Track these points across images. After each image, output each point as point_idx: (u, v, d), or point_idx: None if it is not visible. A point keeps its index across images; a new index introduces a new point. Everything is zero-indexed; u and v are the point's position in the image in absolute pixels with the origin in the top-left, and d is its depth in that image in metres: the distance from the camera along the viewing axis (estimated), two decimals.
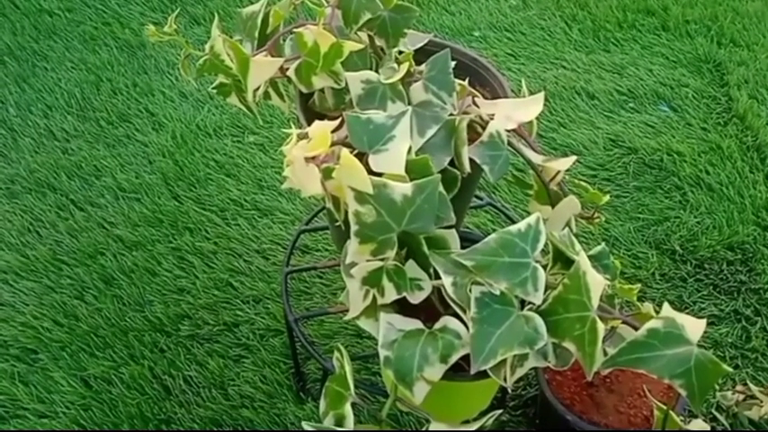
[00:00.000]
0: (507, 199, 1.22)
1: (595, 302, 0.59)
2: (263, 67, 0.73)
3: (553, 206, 0.77)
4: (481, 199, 1.07)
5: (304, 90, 0.77)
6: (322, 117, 0.75)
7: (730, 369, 0.59)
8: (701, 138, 1.33)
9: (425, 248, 0.66)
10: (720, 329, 1.04)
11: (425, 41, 0.85)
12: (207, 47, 0.84)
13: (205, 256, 1.15)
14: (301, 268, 1.02)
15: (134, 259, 1.15)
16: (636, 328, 0.73)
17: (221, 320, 1.06)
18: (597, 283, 0.59)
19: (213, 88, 0.86)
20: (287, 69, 0.76)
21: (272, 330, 1.05)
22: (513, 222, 1.09)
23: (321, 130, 0.59)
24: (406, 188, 0.62)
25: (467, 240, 0.73)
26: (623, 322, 0.71)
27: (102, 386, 0.98)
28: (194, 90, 1.44)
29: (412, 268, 0.67)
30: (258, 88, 0.82)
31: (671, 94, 1.42)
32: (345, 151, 0.58)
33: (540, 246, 0.63)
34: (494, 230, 1.20)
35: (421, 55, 0.79)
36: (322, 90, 0.80)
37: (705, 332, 1.05)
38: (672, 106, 1.40)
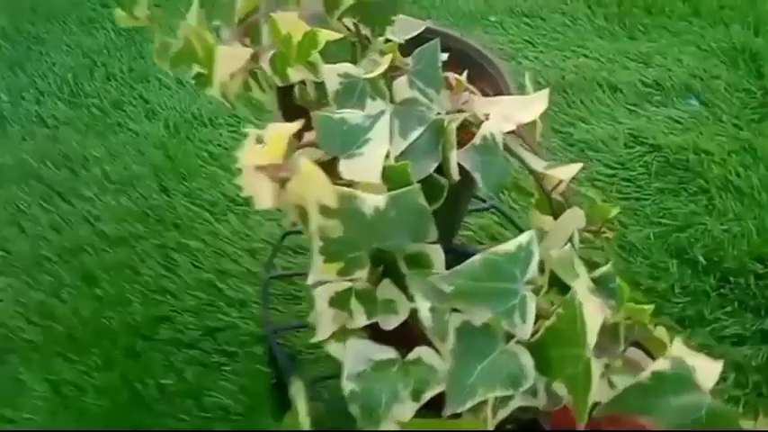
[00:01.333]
0: (516, 199, 1.13)
1: (592, 340, 0.51)
2: (230, 58, 0.66)
3: (555, 217, 0.69)
4: (484, 201, 0.99)
5: (279, 83, 0.70)
6: (304, 112, 0.67)
7: (751, 423, 0.50)
8: (732, 135, 1.22)
9: (403, 267, 0.58)
10: (744, 351, 0.94)
11: (420, 30, 0.76)
12: (180, 34, 0.77)
13: (191, 255, 1.08)
14: (285, 274, 0.95)
15: (117, 256, 1.09)
16: (648, 352, 0.65)
17: (203, 325, 1.00)
18: (595, 318, 0.51)
19: (192, 78, 0.79)
20: (261, 60, 0.69)
21: (256, 337, 0.98)
22: (518, 228, 1.01)
23: (278, 133, 0.51)
24: (378, 200, 0.54)
25: (463, 256, 0.66)
26: (633, 344, 0.63)
27: (73, 392, 0.93)
28: (191, 77, 1.37)
29: (387, 288, 0.59)
30: (234, 78, 0.75)
31: (701, 86, 1.31)
32: (305, 159, 0.50)
33: (532, 270, 0.54)
34: (500, 235, 1.12)
35: (419, 45, 0.71)
36: (304, 81, 0.73)
37: (727, 353, 0.96)
38: (702, 100, 1.29)
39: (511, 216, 0.98)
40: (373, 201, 0.54)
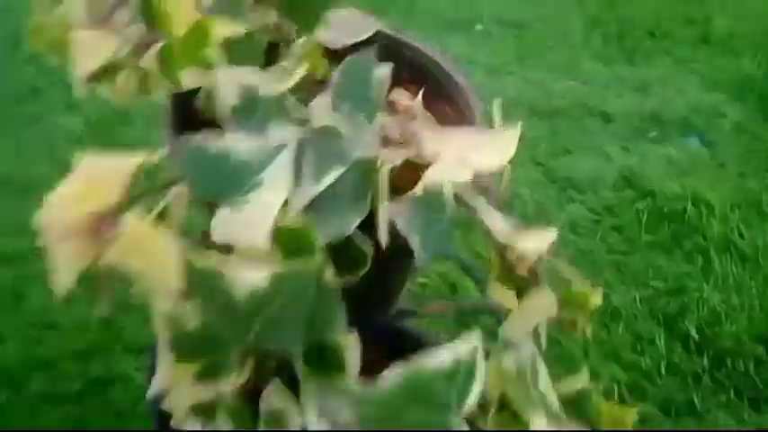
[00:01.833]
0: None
1: None
2: (89, 48, 0.48)
3: (519, 295, 0.52)
4: None
5: (171, 88, 0.52)
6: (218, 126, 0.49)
7: None
8: (736, 185, 1.07)
9: (299, 367, 0.41)
10: None
11: (369, 33, 0.59)
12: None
13: (90, 282, 0.90)
14: None
15: (0, 279, 0.90)
16: None
17: (89, 374, 0.82)
18: None
19: None
20: (144, 55, 0.51)
21: None
22: (479, 284, 0.84)
23: (102, 170, 0.34)
24: (256, 280, 0.37)
25: (400, 337, 0.49)
26: None
27: None
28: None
29: (276, 393, 0.42)
30: (125, 73, 0.57)
31: (704, 123, 1.16)
32: (132, 217, 0.32)
33: (474, 395, 0.38)
34: (461, 286, 0.95)
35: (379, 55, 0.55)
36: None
37: None
38: (704, 140, 1.14)
39: (472, 267, 0.82)
40: (249, 280, 0.36)
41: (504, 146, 0.48)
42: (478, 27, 1.35)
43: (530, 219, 1.01)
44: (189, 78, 0.50)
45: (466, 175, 0.47)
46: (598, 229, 1.00)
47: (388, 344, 0.57)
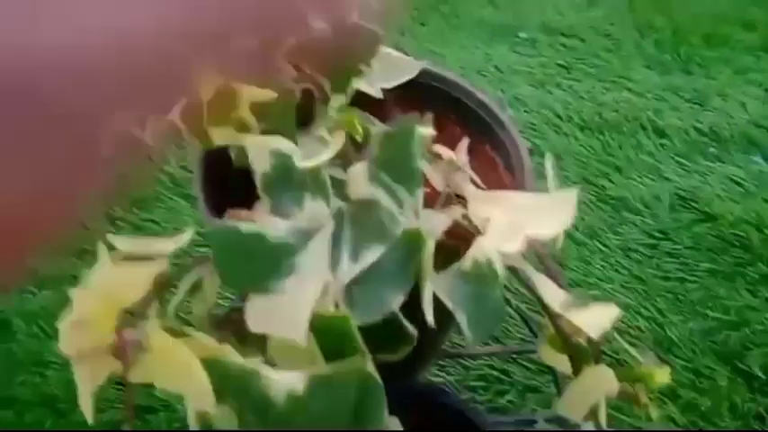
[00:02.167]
0: None
1: None
2: None
3: (575, 368, 0.48)
4: None
5: (199, 146, 0.50)
6: (245, 182, 0.47)
7: None
8: None
9: None
10: None
11: (411, 75, 0.56)
12: None
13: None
14: None
15: (42, 299, 0.90)
16: None
17: (132, 402, 0.81)
18: None
19: None
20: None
21: None
22: (532, 331, 0.80)
23: (123, 276, 0.32)
24: (292, 381, 0.34)
25: (426, 399, 0.46)
26: None
27: None
28: None
29: None
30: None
31: None
32: (155, 327, 0.30)
33: None
34: (511, 322, 0.91)
35: (421, 94, 0.52)
36: None
37: None
38: None
39: (520, 309, 0.78)
40: (286, 382, 0.34)
41: (562, 211, 0.45)
42: (522, 35, 1.30)
43: (579, 243, 0.96)
44: (219, 137, 0.48)
45: (518, 245, 0.44)
46: (653, 255, 0.94)
47: (418, 405, 0.54)
